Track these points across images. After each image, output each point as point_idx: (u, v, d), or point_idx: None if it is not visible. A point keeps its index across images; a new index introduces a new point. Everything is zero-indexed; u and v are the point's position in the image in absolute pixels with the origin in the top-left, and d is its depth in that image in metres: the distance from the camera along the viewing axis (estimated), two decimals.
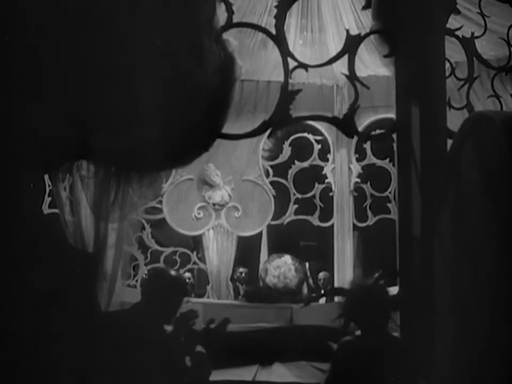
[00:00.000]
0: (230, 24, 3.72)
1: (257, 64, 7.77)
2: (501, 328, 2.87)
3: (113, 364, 3.18)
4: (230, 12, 3.71)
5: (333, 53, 4.30)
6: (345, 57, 3.88)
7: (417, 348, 3.54)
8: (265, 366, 5.79)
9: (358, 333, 3.61)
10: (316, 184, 9.09)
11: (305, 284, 8.52)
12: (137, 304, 3.54)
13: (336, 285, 8.45)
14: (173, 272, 3.75)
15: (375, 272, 6.71)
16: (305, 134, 9.02)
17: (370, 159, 8.95)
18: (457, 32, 4.14)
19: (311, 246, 9.96)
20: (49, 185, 3.99)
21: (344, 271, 8.79)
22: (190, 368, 3.43)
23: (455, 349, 3.26)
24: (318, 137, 9.04)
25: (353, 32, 3.94)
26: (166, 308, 3.48)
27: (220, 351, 3.46)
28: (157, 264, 8.32)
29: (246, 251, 9.16)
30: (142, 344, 3.25)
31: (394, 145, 3.99)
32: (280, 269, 8.10)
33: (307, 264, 8.82)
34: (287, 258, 8.41)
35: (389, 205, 8.65)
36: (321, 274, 8.53)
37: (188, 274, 8.25)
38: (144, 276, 7.24)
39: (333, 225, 8.94)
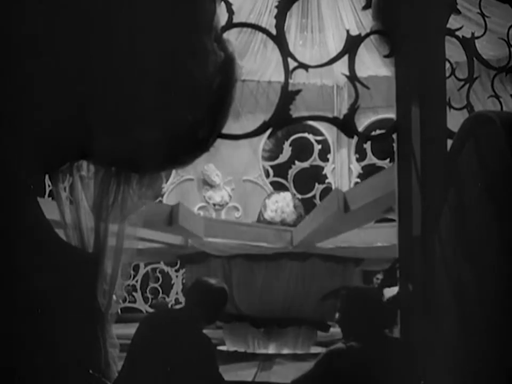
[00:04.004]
0: (230, 24, 3.72)
1: (258, 64, 7.78)
2: (501, 328, 2.87)
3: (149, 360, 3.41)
4: (230, 12, 3.71)
5: (333, 53, 4.30)
6: (346, 58, 3.88)
7: (417, 349, 3.53)
8: (266, 362, 5.80)
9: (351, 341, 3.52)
10: (316, 184, 9.10)
11: None
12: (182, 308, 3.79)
13: None
14: (214, 281, 3.99)
15: (376, 273, 6.70)
16: (306, 134, 9.03)
17: (371, 159, 8.96)
18: (457, 33, 4.14)
19: None
20: (49, 186, 3.99)
21: None
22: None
23: (456, 350, 3.25)
24: (318, 138, 9.05)
25: (354, 32, 3.94)
26: (207, 313, 3.81)
27: None
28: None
29: None
30: (179, 343, 3.54)
31: (394, 145, 3.99)
32: (278, 203, 7.91)
33: None
34: (286, 194, 8.21)
35: None
36: None
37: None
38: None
39: None
